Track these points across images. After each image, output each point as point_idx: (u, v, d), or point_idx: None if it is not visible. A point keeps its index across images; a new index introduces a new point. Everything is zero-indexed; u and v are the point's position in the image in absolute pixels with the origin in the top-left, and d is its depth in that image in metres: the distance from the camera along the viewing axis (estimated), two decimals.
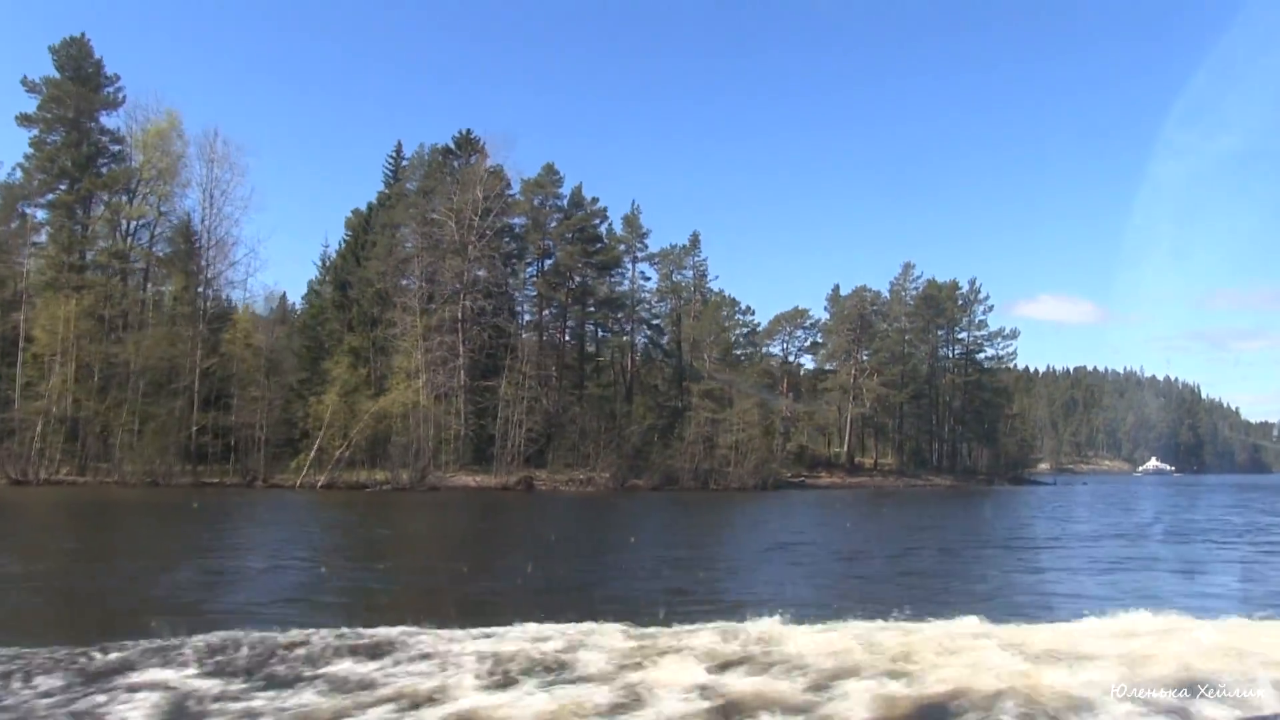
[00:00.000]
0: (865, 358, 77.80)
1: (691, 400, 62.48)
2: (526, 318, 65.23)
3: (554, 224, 64.10)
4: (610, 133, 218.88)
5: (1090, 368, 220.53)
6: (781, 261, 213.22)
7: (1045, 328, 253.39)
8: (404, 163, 64.66)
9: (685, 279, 72.99)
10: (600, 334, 68.52)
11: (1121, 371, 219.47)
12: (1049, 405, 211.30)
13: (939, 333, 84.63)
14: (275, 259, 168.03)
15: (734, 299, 79.40)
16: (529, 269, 65.04)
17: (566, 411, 58.54)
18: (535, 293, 64.51)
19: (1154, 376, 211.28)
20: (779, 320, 74.02)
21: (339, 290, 63.14)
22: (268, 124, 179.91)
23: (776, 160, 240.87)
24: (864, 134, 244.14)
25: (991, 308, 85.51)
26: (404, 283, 59.25)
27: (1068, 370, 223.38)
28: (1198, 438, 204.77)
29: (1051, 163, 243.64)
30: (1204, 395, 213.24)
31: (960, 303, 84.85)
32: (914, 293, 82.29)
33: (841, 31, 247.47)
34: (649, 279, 70.49)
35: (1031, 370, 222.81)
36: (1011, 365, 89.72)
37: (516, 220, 64.26)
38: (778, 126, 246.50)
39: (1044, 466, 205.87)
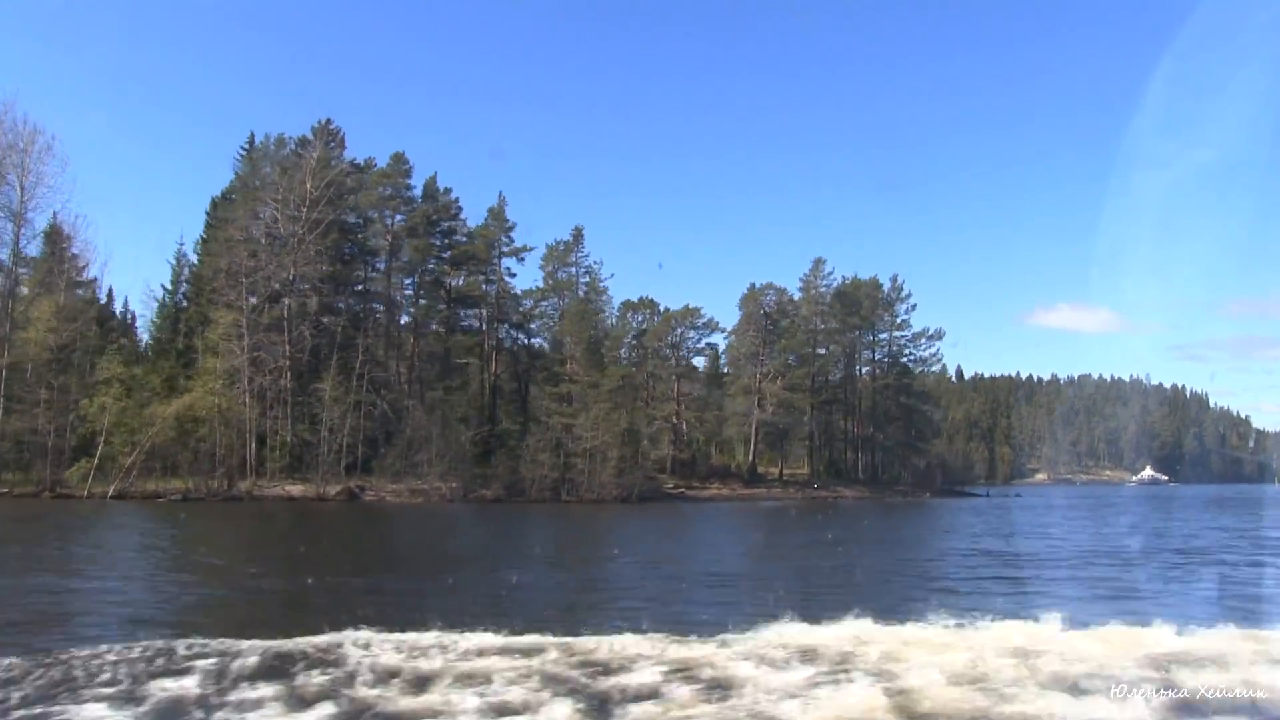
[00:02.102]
0: (771, 359, 72.17)
1: (545, 404, 57.91)
2: (382, 317, 61.06)
3: (402, 217, 60.05)
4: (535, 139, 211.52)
5: (1096, 376, 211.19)
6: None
7: (1064, 337, 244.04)
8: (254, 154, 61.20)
9: (570, 275, 68.36)
10: (457, 333, 64.11)
11: (1128, 379, 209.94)
12: (1049, 414, 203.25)
13: (857, 334, 78.59)
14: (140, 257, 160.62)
15: (652, 300, 74.62)
16: (378, 264, 61.04)
17: (402, 417, 54.31)
18: (379, 290, 60.43)
19: (1160, 384, 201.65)
20: (668, 317, 68.80)
21: (187, 287, 60.16)
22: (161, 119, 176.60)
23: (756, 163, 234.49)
24: (858, 138, 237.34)
25: (914, 307, 79.49)
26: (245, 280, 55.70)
27: (1072, 378, 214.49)
28: (1204, 447, 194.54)
29: (1068, 167, 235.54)
30: (1212, 404, 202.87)
31: (885, 300, 78.85)
32: (826, 291, 76.52)
33: (837, 38, 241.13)
34: (515, 275, 66.18)
35: (1036, 379, 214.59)
36: (939, 368, 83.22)
37: (371, 213, 60.42)
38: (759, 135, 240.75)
39: (1041, 476, 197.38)
